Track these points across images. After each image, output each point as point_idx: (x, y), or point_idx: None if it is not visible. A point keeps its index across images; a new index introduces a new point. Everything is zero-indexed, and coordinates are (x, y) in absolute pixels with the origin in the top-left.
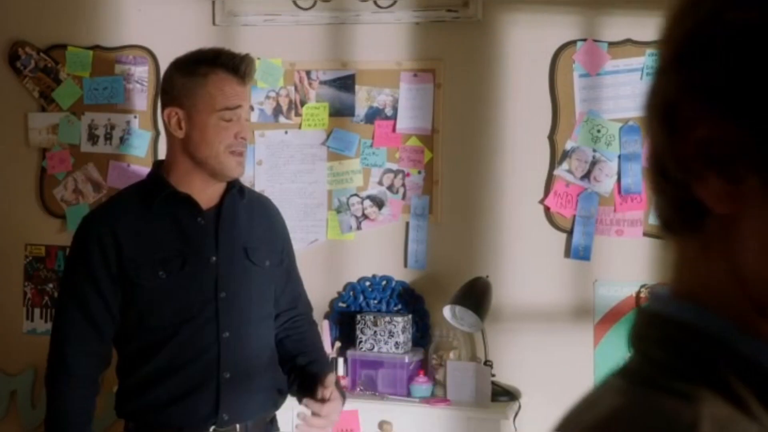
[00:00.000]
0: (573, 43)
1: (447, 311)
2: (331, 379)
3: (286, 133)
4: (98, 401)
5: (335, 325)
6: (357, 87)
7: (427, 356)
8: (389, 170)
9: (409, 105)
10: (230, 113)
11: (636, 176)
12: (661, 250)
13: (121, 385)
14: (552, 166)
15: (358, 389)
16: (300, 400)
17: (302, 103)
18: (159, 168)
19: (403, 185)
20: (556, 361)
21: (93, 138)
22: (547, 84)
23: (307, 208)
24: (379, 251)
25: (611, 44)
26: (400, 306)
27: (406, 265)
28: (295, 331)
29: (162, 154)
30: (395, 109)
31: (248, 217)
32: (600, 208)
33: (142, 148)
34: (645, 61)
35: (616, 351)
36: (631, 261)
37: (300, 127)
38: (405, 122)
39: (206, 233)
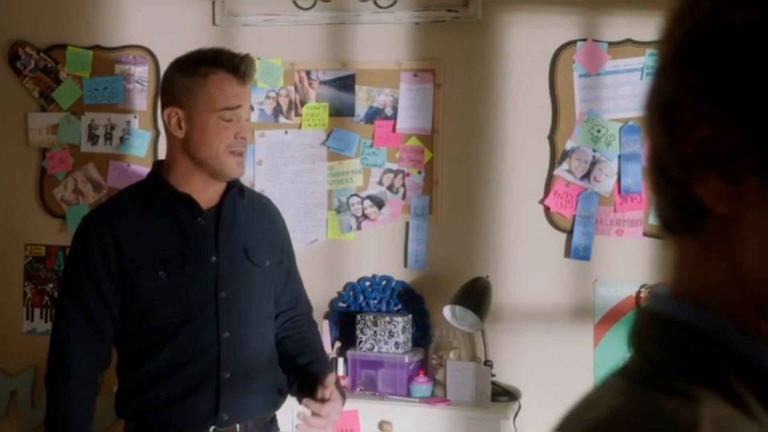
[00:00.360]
0: (573, 43)
1: (447, 311)
2: (331, 379)
3: (286, 133)
4: (98, 401)
5: (335, 325)
6: (357, 87)
7: (427, 356)
8: (389, 170)
9: (409, 105)
10: (230, 113)
11: (636, 176)
12: (661, 250)
13: (121, 385)
14: (552, 166)
15: (358, 389)
16: (300, 400)
17: (302, 103)
18: (159, 168)
19: (403, 185)
20: (556, 361)
21: (93, 138)
22: (547, 84)
23: (307, 208)
24: (379, 251)
25: (611, 44)
26: (400, 306)
27: (406, 265)
28: (295, 331)
29: (162, 154)
30: (395, 109)
31: (248, 217)
32: (600, 208)
33: (142, 148)
34: (645, 61)
35: (616, 351)
36: (631, 261)
37: (300, 127)
38: (405, 122)
39: (206, 233)
